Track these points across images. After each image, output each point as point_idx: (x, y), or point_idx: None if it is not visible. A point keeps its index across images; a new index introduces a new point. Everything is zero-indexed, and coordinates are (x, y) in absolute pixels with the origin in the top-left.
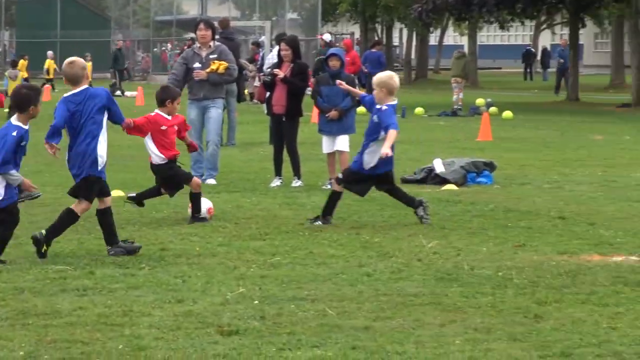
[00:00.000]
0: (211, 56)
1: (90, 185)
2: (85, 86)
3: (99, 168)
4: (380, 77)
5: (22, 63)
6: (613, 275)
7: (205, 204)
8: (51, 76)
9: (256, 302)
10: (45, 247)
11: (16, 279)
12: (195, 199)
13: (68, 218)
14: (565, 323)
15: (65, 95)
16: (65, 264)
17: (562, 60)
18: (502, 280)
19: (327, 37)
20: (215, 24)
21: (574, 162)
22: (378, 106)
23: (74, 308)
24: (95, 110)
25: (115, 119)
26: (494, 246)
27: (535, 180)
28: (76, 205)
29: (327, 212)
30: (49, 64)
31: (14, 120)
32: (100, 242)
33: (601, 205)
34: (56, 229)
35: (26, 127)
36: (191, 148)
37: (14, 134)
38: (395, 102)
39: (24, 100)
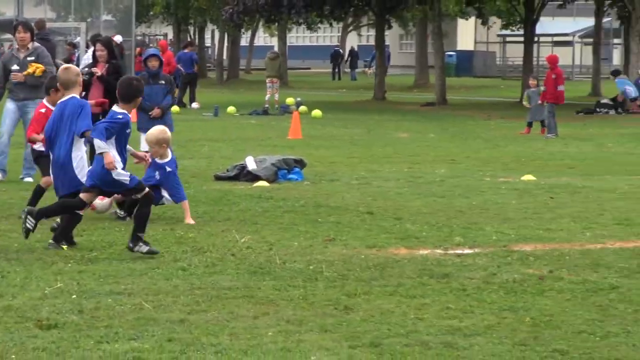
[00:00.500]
0: (29, 58)
1: None
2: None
3: None
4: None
5: None
6: (419, 267)
7: None
8: None
9: (74, 296)
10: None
11: None
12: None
13: None
14: (374, 314)
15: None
16: None
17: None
18: (312, 273)
19: (118, 38)
20: (34, 25)
21: (381, 159)
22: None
23: None
24: None
25: None
26: (305, 240)
27: (344, 176)
28: None
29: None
30: None
31: (118, 108)
32: None
33: (407, 201)
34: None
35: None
36: None
37: (120, 117)
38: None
39: (135, 91)
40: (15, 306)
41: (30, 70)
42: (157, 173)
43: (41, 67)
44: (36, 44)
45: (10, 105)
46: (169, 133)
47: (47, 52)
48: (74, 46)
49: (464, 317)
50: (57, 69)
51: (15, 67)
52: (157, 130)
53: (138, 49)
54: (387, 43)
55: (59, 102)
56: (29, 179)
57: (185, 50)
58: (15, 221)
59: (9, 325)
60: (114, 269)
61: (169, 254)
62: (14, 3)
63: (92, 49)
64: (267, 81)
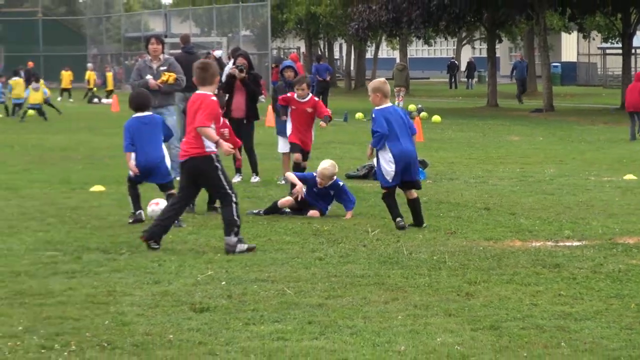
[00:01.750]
0: (161, 68)
1: None
2: None
3: None
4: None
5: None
6: (533, 258)
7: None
8: (91, 86)
9: (223, 283)
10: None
11: (13, 264)
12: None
13: None
14: (493, 300)
15: None
16: (56, 251)
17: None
18: (436, 263)
19: (217, 53)
20: (178, 39)
21: (495, 160)
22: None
23: (65, 289)
24: None
25: None
26: (429, 233)
27: (463, 176)
28: None
29: None
30: (90, 75)
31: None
32: (84, 231)
33: (520, 198)
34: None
35: None
36: None
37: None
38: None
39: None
40: (171, 291)
41: (164, 78)
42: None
43: (173, 75)
44: (166, 55)
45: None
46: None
47: (177, 64)
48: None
49: (574, 303)
50: None
51: (148, 76)
52: (331, 164)
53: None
54: (497, 55)
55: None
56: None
57: (321, 63)
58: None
59: (166, 308)
60: (258, 259)
61: (307, 244)
62: (162, 20)
63: (232, 60)
64: (395, 90)
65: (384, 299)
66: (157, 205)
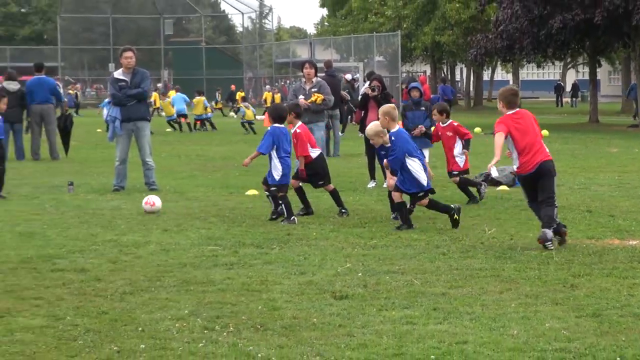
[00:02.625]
0: (313, 89)
1: None
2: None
3: None
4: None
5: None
6: (630, 255)
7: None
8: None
9: (360, 274)
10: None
11: (180, 257)
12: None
13: None
14: (595, 291)
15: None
16: (217, 246)
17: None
18: (545, 258)
19: (348, 76)
20: (322, 65)
21: (596, 169)
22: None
23: (224, 278)
24: None
25: None
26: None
27: (567, 182)
28: None
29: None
30: (267, 95)
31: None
32: (240, 228)
33: (618, 201)
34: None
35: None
36: None
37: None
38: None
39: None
40: (315, 281)
41: (313, 98)
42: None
43: (321, 96)
44: (318, 78)
45: None
46: (379, 127)
47: (326, 85)
48: (355, 81)
49: None
50: (343, 98)
51: (301, 96)
52: (374, 124)
53: (349, 82)
54: (598, 77)
55: None
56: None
57: (446, 85)
58: (312, 218)
59: (310, 295)
60: (390, 253)
61: (432, 241)
62: (307, 47)
63: (367, 82)
64: None
65: (499, 289)
66: (152, 205)
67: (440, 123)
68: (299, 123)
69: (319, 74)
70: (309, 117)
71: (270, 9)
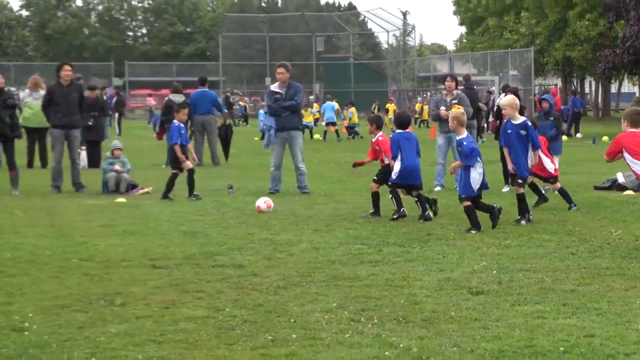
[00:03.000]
0: (453, 101)
1: None
2: None
3: None
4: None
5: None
6: None
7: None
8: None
9: (494, 272)
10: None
11: (329, 254)
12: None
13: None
14: None
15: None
16: (362, 245)
17: None
18: None
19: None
20: (461, 78)
21: None
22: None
23: (369, 274)
24: None
25: None
26: None
27: None
28: None
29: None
30: (418, 106)
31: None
32: (384, 229)
33: None
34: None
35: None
36: None
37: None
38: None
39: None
40: (453, 278)
41: (453, 109)
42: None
43: (461, 108)
44: (458, 90)
45: (440, 141)
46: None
47: (465, 97)
48: (490, 93)
49: None
50: (480, 110)
51: (442, 108)
52: (511, 97)
53: (486, 94)
54: None
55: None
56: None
57: (576, 97)
58: (450, 219)
59: (449, 291)
60: (523, 253)
61: (562, 242)
62: (447, 62)
63: (503, 94)
64: None
65: (625, 286)
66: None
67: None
68: (380, 133)
69: (460, 87)
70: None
71: (413, 27)
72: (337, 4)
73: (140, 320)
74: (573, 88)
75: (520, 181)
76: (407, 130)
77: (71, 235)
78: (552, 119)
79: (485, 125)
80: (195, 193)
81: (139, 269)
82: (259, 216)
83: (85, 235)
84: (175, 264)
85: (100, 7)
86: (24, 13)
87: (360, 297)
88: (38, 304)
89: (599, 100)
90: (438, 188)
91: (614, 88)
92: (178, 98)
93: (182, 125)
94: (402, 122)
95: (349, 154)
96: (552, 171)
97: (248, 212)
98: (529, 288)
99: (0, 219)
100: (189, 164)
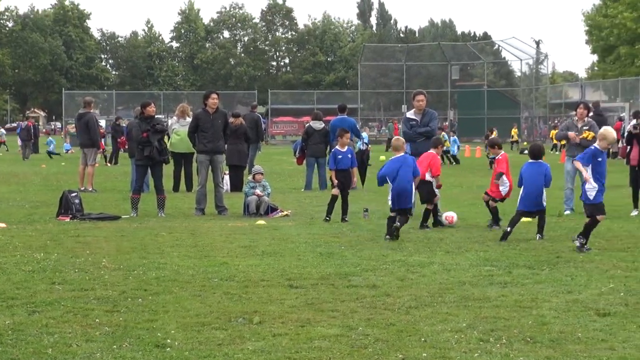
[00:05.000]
0: (584, 127)
1: None
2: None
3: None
4: None
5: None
6: None
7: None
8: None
9: (622, 294)
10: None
11: (460, 276)
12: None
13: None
14: None
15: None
16: (492, 266)
17: None
18: None
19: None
20: (590, 105)
21: None
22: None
23: (499, 295)
24: None
25: None
26: None
27: None
28: None
29: None
30: (514, 132)
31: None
32: (514, 251)
33: None
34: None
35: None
36: None
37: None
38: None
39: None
40: (580, 299)
41: (584, 135)
42: None
43: (592, 134)
44: (588, 118)
45: (568, 165)
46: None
47: (595, 124)
48: (621, 120)
49: None
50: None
51: (573, 133)
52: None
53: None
54: None
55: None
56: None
57: None
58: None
59: (576, 312)
60: None
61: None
62: (579, 90)
63: (634, 120)
64: None
65: None
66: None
67: None
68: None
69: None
70: (578, 151)
71: (546, 56)
72: (472, 34)
73: (276, 337)
74: None
75: None
76: (538, 161)
77: (213, 255)
78: None
79: (617, 150)
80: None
81: (277, 289)
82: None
83: (226, 255)
84: (311, 283)
85: (246, 39)
86: (174, 44)
87: (489, 318)
88: (180, 321)
89: None
90: (568, 212)
91: None
92: (318, 125)
93: (340, 150)
94: (534, 152)
95: (480, 178)
96: None
97: (382, 234)
98: None
99: (147, 239)
100: (334, 191)
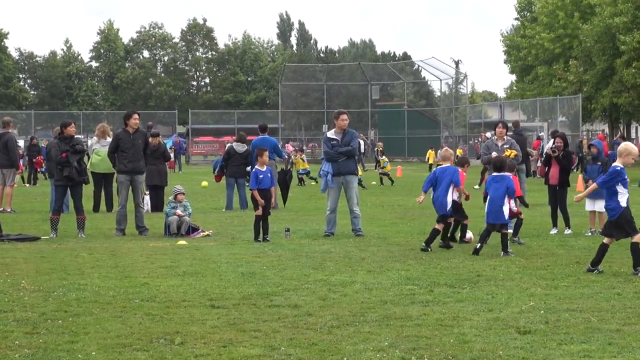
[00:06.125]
0: (505, 146)
1: None
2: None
3: None
4: None
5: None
6: None
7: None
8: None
9: (542, 311)
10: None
11: (382, 295)
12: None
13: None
14: None
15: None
16: (414, 285)
17: None
18: None
19: (488, 134)
20: (510, 124)
21: None
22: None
23: (420, 314)
24: None
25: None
26: None
27: None
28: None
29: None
30: (429, 154)
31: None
32: (435, 270)
33: None
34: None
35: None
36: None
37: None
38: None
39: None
40: (501, 317)
41: (507, 153)
42: None
43: (515, 152)
44: (508, 137)
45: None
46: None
47: (515, 142)
48: (538, 139)
49: None
50: (528, 154)
51: (494, 152)
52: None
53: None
54: None
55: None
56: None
57: (621, 140)
58: (500, 260)
59: (497, 330)
60: (570, 293)
61: (607, 282)
62: (498, 109)
63: (552, 140)
64: None
65: None
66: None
67: None
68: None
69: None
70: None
71: (465, 76)
72: (392, 54)
73: (198, 358)
74: (620, 133)
75: None
76: (501, 173)
77: (134, 276)
78: (599, 163)
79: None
80: (266, 236)
81: (198, 309)
82: (314, 258)
83: (147, 276)
84: (233, 303)
85: (166, 58)
86: (94, 64)
87: (411, 336)
88: (101, 342)
89: None
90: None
91: None
92: (240, 148)
93: (260, 170)
94: (496, 165)
95: (402, 198)
96: None
97: (304, 254)
98: (576, 328)
99: (67, 260)
100: (257, 212)
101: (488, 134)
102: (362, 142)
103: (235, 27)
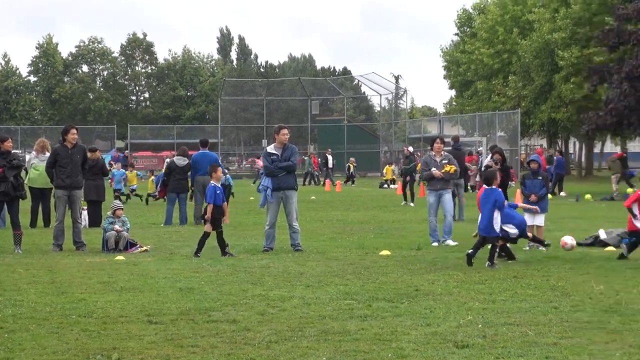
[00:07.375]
0: (444, 161)
1: None
2: None
3: None
4: None
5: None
6: None
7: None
8: (388, 177)
9: (480, 325)
10: None
11: (320, 310)
12: None
13: None
14: None
15: None
16: (352, 300)
17: None
18: None
19: (410, 149)
20: (449, 139)
21: None
22: None
23: (358, 329)
24: None
25: None
26: None
27: None
28: None
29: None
30: (387, 169)
31: None
32: (374, 285)
33: None
34: None
35: None
36: None
37: None
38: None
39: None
40: (439, 332)
41: (447, 169)
42: None
43: (454, 167)
44: (446, 152)
45: (431, 199)
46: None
47: (453, 157)
48: (479, 153)
49: None
50: (466, 168)
51: (433, 168)
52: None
53: (475, 155)
54: None
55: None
56: (450, 242)
57: (559, 156)
58: (438, 274)
59: (435, 344)
60: (507, 307)
61: (545, 296)
62: (437, 124)
63: (490, 155)
64: (612, 177)
65: (605, 340)
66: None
67: None
68: None
69: (446, 147)
70: (440, 185)
71: (405, 91)
72: (332, 69)
73: None
74: (558, 148)
75: None
76: (491, 187)
77: (71, 292)
78: (540, 178)
79: (474, 184)
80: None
81: (136, 325)
82: (253, 273)
83: (84, 291)
84: (170, 319)
85: (105, 73)
86: (32, 78)
87: (349, 351)
88: (37, 359)
89: (582, 160)
90: (435, 244)
91: (597, 148)
92: (182, 162)
93: (217, 185)
94: (487, 178)
95: (341, 212)
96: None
97: (242, 269)
98: (513, 341)
99: (3, 276)
100: (207, 227)
101: (410, 149)
102: (330, 157)
103: (176, 41)
